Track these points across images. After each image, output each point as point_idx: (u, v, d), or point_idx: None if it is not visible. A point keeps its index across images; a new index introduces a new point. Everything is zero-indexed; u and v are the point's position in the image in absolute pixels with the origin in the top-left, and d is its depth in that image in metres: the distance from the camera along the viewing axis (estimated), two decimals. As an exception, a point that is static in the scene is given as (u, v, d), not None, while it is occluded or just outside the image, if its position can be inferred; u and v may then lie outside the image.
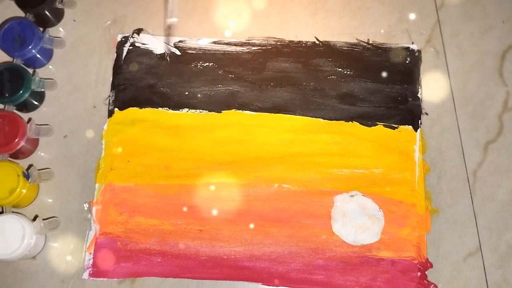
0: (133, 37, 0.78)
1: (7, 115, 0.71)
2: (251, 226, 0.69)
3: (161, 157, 0.73)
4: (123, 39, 0.78)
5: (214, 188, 0.71)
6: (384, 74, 0.75)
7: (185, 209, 0.70)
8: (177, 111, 0.75)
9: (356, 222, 0.69)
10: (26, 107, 0.75)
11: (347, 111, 0.74)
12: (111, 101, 0.75)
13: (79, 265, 0.69)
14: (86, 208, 0.71)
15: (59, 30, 0.80)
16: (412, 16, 0.78)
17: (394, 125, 0.73)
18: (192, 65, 0.77)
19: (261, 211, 0.70)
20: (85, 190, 0.72)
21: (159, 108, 0.75)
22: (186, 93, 0.75)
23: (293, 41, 0.77)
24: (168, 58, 0.76)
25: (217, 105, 0.75)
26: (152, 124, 0.74)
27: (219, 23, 0.80)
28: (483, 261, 0.68)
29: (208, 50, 0.77)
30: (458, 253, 0.68)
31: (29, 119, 0.74)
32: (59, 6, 0.78)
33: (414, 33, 0.77)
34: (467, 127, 0.73)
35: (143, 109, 0.75)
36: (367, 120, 0.73)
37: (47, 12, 0.78)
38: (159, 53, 0.77)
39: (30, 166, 0.72)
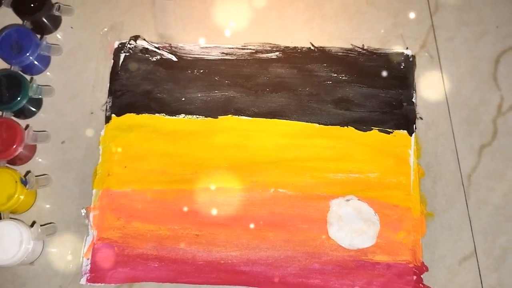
0: (130, 44, 0.78)
1: (4, 122, 0.71)
2: (248, 230, 0.69)
3: (158, 163, 0.73)
4: (120, 46, 0.79)
5: (210, 193, 0.71)
6: (379, 79, 0.75)
7: (185, 209, 0.70)
8: (174, 117, 0.75)
9: (352, 226, 0.69)
10: (23, 113, 0.76)
11: (342, 116, 0.74)
12: (108, 107, 0.76)
13: (76, 270, 0.69)
14: (83, 214, 0.71)
15: (56, 37, 0.81)
16: (407, 21, 0.79)
17: (389, 130, 0.73)
18: (189, 71, 0.77)
19: (257, 215, 0.70)
20: (82, 196, 0.72)
21: (156, 114, 0.75)
22: (183, 99, 0.76)
23: (288, 46, 0.78)
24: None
25: (213, 110, 0.75)
26: (149, 130, 0.75)
27: (216, 29, 0.80)
28: (478, 264, 0.68)
29: (204, 56, 0.78)
30: (453, 257, 0.68)
31: (27, 126, 0.74)
32: (57, 13, 0.78)
33: (409, 39, 0.78)
34: (462, 132, 0.73)
35: (140, 115, 0.75)
36: (362, 124, 0.74)
37: (44, 19, 0.78)
38: (155, 59, 0.78)
39: (27, 172, 0.73)
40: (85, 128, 0.75)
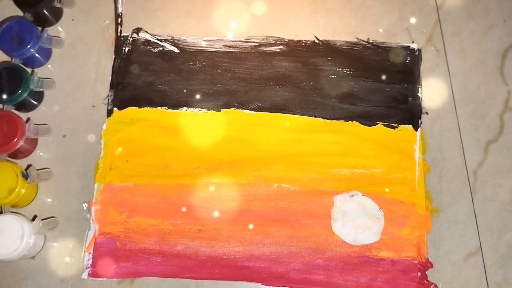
0: (132, 37, 0.78)
1: (5, 115, 0.71)
2: (251, 226, 0.69)
3: (160, 157, 0.72)
4: (122, 38, 0.78)
5: (213, 188, 0.71)
6: (384, 74, 0.75)
7: (184, 209, 0.70)
8: (176, 110, 0.74)
9: (356, 222, 0.68)
10: (25, 106, 0.75)
11: (347, 111, 0.73)
12: (110, 101, 0.75)
13: (78, 265, 0.69)
14: (85, 208, 0.71)
15: (57, 30, 0.80)
16: (413, 15, 0.78)
17: (394, 125, 0.72)
18: (191, 63, 0.76)
19: (260, 210, 0.70)
20: (84, 190, 0.72)
21: (158, 107, 0.74)
22: (185, 90, 0.75)
23: (292, 40, 0.77)
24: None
25: (216, 103, 0.74)
26: (151, 124, 0.74)
27: (219, 22, 0.79)
28: (483, 261, 0.67)
29: (207, 48, 0.77)
30: (458, 253, 0.68)
31: (28, 119, 0.74)
32: (58, 5, 0.78)
33: (415, 32, 0.77)
34: (468, 127, 0.72)
35: (142, 108, 0.75)
36: (367, 119, 0.73)
37: (45, 11, 0.77)
38: (157, 50, 0.77)
39: (29, 166, 0.72)
40: (87, 122, 0.75)
